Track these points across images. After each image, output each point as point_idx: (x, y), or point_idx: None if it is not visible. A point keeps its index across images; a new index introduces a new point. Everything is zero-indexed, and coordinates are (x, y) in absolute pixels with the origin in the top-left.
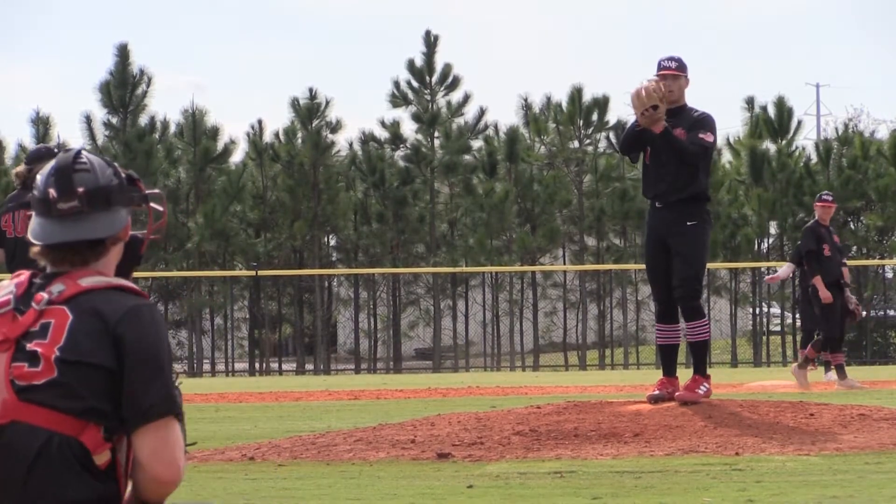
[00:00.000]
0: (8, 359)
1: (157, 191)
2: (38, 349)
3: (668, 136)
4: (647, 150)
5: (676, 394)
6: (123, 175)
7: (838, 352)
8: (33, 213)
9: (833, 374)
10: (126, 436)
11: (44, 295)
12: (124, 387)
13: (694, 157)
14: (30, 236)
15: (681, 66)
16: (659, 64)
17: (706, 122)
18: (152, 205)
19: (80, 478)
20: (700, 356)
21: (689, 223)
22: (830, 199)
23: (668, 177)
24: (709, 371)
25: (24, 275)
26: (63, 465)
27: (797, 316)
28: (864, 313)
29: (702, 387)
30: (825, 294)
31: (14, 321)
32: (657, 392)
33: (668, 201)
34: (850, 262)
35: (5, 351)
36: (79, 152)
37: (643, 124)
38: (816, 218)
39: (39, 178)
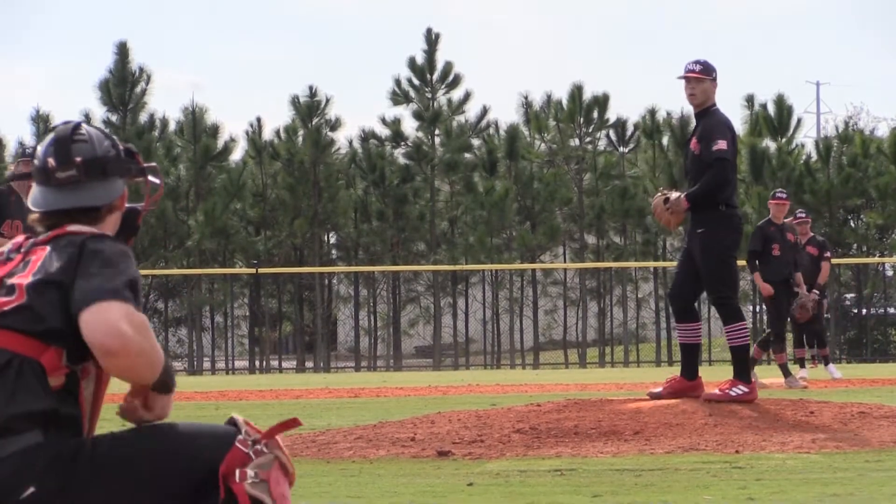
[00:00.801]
0: None
1: (153, 164)
2: (16, 281)
3: (695, 202)
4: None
5: (703, 394)
6: (122, 147)
7: (781, 351)
8: (33, 183)
9: (805, 373)
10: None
11: (31, 239)
12: (73, 291)
13: (717, 182)
14: (29, 203)
15: (705, 69)
16: (685, 67)
17: (714, 130)
18: (149, 177)
19: (31, 393)
20: (736, 359)
21: (698, 231)
22: (784, 196)
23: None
24: (702, 371)
25: (23, 237)
26: (17, 382)
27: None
28: (865, 311)
29: (735, 389)
30: (766, 289)
31: (3, 266)
32: (658, 389)
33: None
34: (850, 261)
35: None
36: (78, 124)
37: (673, 223)
38: (770, 216)
39: (40, 148)
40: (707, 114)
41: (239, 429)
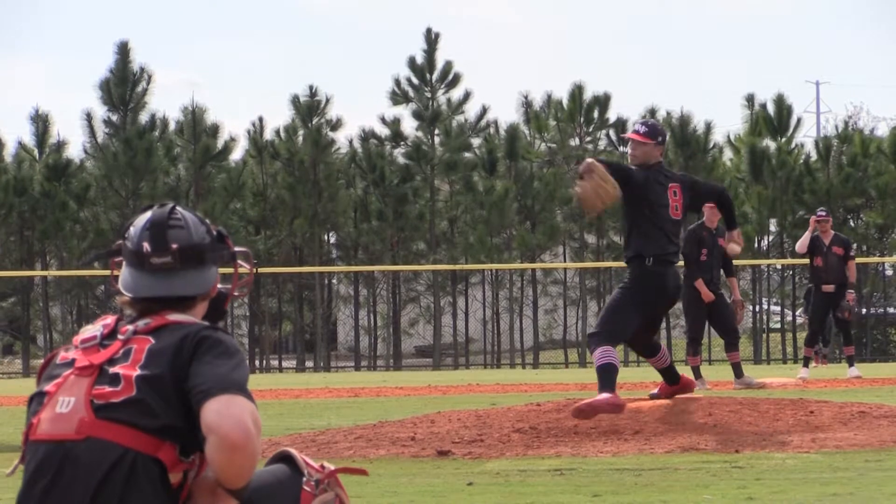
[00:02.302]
0: (90, 382)
1: (245, 249)
2: (120, 371)
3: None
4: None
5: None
6: (214, 231)
7: (696, 354)
8: (124, 263)
9: (806, 373)
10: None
11: (129, 327)
12: (198, 368)
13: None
14: (120, 286)
15: (650, 133)
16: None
17: (689, 177)
18: (240, 262)
19: (152, 495)
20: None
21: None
22: None
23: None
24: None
25: (112, 318)
26: (136, 481)
27: (797, 314)
28: (865, 311)
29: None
30: (707, 296)
31: (98, 352)
32: (656, 390)
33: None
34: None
35: (88, 376)
36: (174, 207)
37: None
38: (703, 220)
39: (133, 230)
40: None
41: (300, 470)
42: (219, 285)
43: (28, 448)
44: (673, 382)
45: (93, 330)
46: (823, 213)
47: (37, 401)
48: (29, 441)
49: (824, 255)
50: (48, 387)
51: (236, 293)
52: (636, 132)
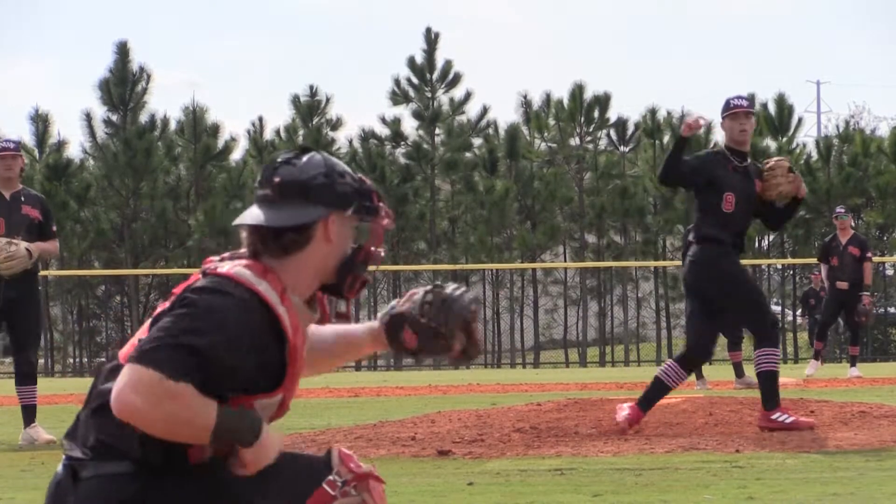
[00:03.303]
0: (161, 308)
1: (385, 208)
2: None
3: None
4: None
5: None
6: (357, 182)
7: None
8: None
9: (814, 367)
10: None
11: (208, 265)
12: None
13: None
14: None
15: (753, 104)
16: (731, 103)
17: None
18: (374, 220)
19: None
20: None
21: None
22: None
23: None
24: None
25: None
26: None
27: (797, 313)
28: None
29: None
30: None
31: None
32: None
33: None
34: None
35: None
36: (304, 150)
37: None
38: None
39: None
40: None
41: (332, 467)
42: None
43: None
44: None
45: (213, 259)
46: (842, 210)
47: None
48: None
49: (840, 254)
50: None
51: (372, 248)
52: (739, 106)
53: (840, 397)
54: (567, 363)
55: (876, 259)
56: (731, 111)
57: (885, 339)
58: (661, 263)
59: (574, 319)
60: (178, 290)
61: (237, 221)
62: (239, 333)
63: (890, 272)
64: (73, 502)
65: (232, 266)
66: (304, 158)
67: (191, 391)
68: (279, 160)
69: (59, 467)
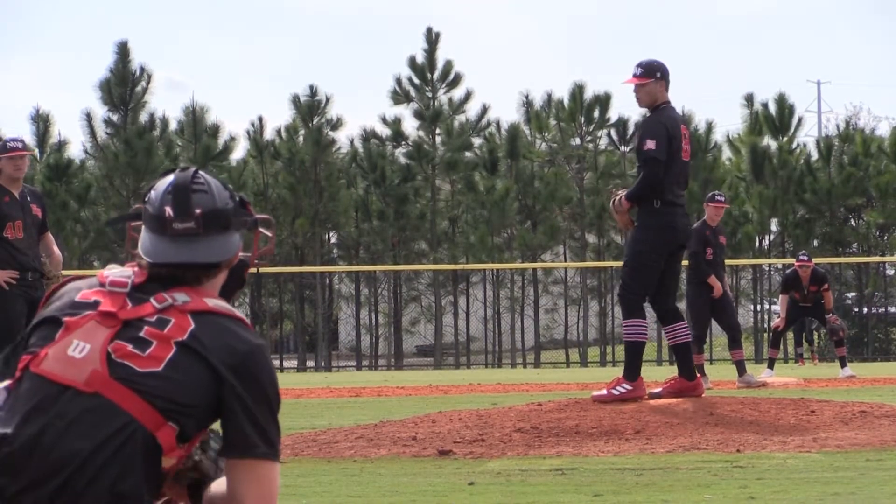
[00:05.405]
0: (111, 335)
1: (266, 216)
2: (149, 337)
3: (634, 201)
4: None
5: (592, 394)
6: (237, 198)
7: (700, 353)
8: (144, 229)
9: (771, 373)
10: (209, 459)
11: (167, 297)
12: (238, 417)
13: (647, 181)
14: (140, 251)
15: (646, 72)
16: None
17: (646, 130)
18: (261, 230)
19: (141, 473)
20: (627, 356)
21: (634, 225)
22: (723, 199)
23: None
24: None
25: (140, 270)
26: (131, 454)
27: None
28: (866, 310)
29: (618, 387)
30: (718, 289)
31: (125, 304)
32: (658, 389)
33: None
34: (851, 260)
35: (110, 327)
36: (196, 171)
37: (621, 222)
38: (705, 219)
39: (153, 194)
40: (652, 113)
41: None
42: (240, 254)
43: (25, 376)
44: (690, 378)
45: (122, 275)
46: (805, 258)
47: (48, 329)
48: (30, 371)
49: (803, 291)
50: (66, 318)
51: (257, 261)
52: (633, 76)
53: (841, 397)
54: (568, 363)
55: (876, 259)
56: None
57: (885, 338)
58: None
59: (575, 319)
60: (119, 310)
61: (161, 259)
62: None
63: (890, 272)
64: None
65: (218, 303)
66: (207, 182)
67: None
68: (191, 187)
69: None
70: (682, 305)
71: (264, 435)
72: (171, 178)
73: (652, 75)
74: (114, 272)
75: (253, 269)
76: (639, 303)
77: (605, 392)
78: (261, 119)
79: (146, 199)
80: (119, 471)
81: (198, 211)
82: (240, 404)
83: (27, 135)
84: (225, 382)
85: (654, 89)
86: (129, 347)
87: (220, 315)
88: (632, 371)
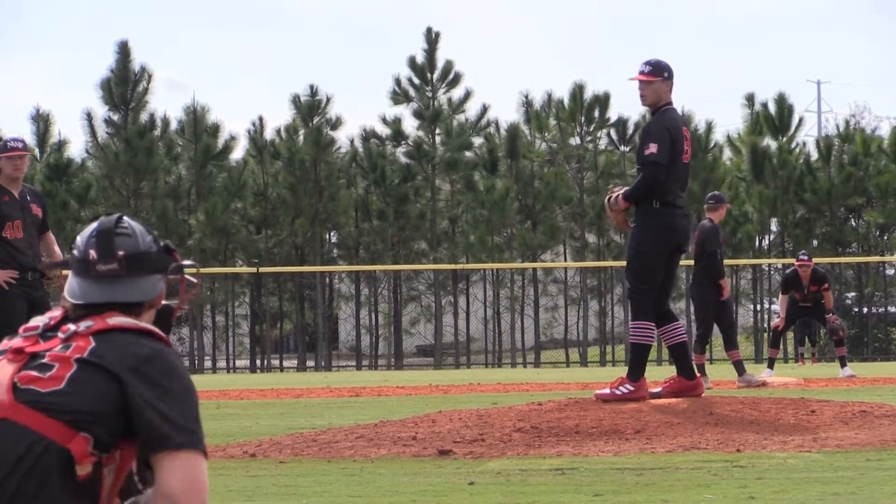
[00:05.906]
0: (18, 367)
1: (191, 262)
2: (52, 361)
3: (632, 201)
4: None
5: (595, 392)
6: (161, 244)
7: (702, 352)
8: (70, 273)
9: (771, 373)
10: (140, 459)
11: (71, 327)
12: (146, 413)
13: (647, 183)
14: (66, 294)
15: (654, 71)
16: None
17: (648, 134)
18: (186, 276)
19: (59, 487)
20: (633, 356)
21: (633, 225)
22: (725, 200)
23: None
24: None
25: (60, 311)
26: (45, 471)
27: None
28: (866, 310)
29: (621, 387)
30: (727, 291)
31: (37, 342)
32: (657, 389)
33: None
34: (851, 259)
35: (18, 361)
36: (121, 217)
37: (616, 221)
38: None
39: (79, 239)
40: (655, 114)
41: None
42: (164, 301)
43: None
44: (689, 378)
45: (39, 321)
46: (805, 258)
47: None
48: None
49: (803, 290)
50: None
51: (183, 307)
52: (641, 73)
53: (841, 397)
54: (568, 363)
55: (876, 259)
56: None
57: (885, 338)
58: None
59: (574, 319)
60: (28, 347)
61: (85, 300)
62: None
63: (890, 272)
64: None
65: (121, 320)
66: (131, 226)
67: None
68: (115, 231)
69: None
70: (681, 305)
71: (175, 426)
72: (95, 224)
73: (660, 74)
74: (30, 321)
75: (178, 312)
76: (648, 304)
77: (608, 391)
78: (261, 119)
79: (72, 245)
80: (36, 485)
81: (121, 253)
82: (143, 401)
83: (27, 135)
84: (127, 385)
85: (660, 89)
86: (33, 373)
87: (121, 330)
88: (636, 372)
